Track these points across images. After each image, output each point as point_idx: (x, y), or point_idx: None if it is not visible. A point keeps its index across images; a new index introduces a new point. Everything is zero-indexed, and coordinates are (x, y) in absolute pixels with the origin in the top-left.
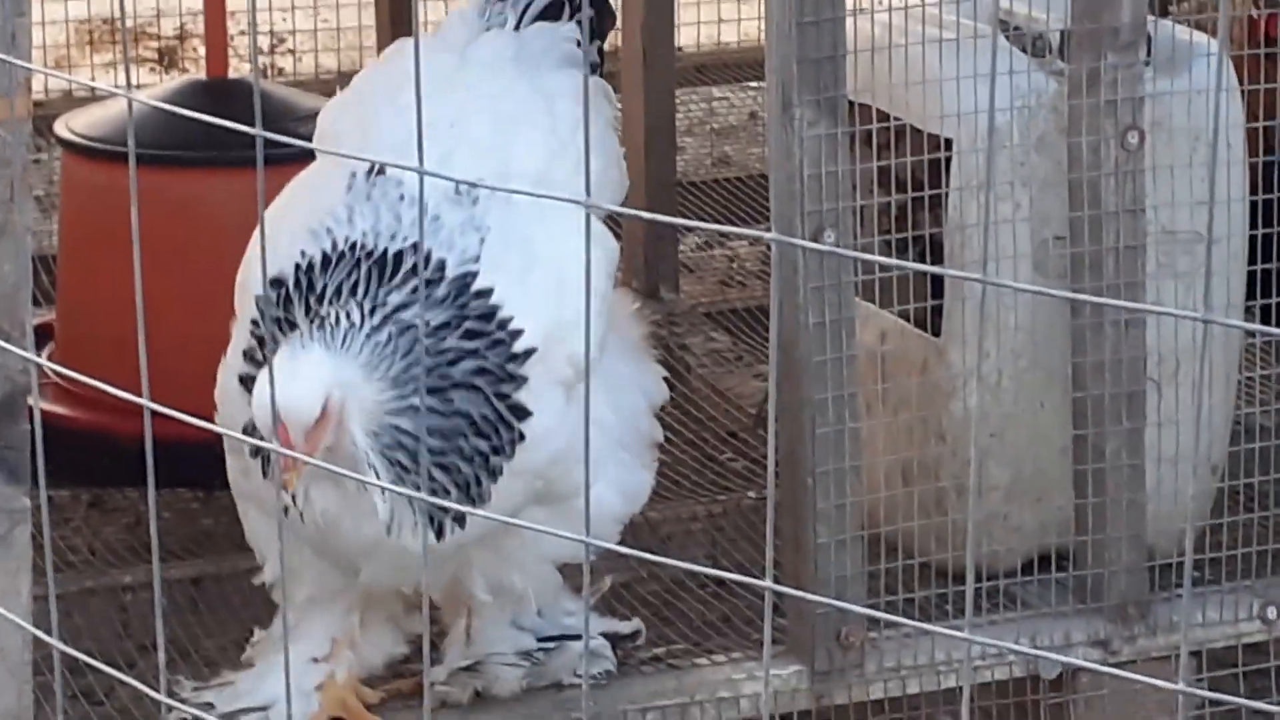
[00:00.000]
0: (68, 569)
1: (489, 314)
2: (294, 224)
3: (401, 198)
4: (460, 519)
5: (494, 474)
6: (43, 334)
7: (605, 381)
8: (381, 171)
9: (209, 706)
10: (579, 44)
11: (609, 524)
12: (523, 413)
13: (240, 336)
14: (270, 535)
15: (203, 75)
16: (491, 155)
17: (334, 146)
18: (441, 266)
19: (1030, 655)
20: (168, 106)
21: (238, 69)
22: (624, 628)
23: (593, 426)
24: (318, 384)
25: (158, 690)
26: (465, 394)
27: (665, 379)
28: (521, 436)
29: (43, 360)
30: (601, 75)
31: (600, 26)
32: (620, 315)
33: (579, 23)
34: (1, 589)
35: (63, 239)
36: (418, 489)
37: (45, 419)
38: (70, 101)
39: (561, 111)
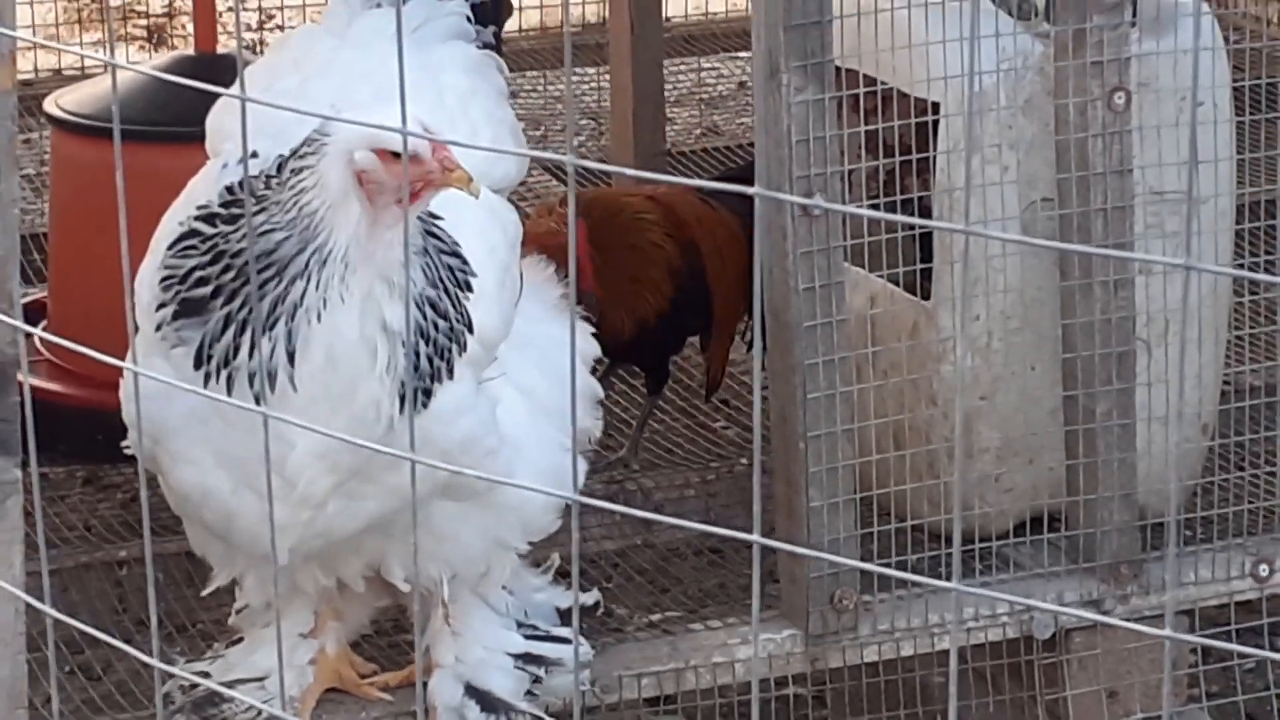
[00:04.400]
0: (63, 545)
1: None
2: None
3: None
4: (422, 403)
5: (450, 366)
6: (35, 312)
7: (531, 346)
8: (254, 156)
9: (205, 675)
10: (469, 18)
11: (539, 513)
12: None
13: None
14: (209, 542)
15: (191, 51)
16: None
17: (218, 144)
18: None
19: (1022, 613)
20: (155, 73)
21: (225, 45)
22: (586, 599)
23: (518, 394)
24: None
25: (155, 660)
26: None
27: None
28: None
29: (33, 330)
30: (499, 53)
31: (497, 14)
32: (537, 280)
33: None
34: None
35: (53, 216)
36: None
37: (40, 396)
38: (60, 81)
39: (449, 84)
